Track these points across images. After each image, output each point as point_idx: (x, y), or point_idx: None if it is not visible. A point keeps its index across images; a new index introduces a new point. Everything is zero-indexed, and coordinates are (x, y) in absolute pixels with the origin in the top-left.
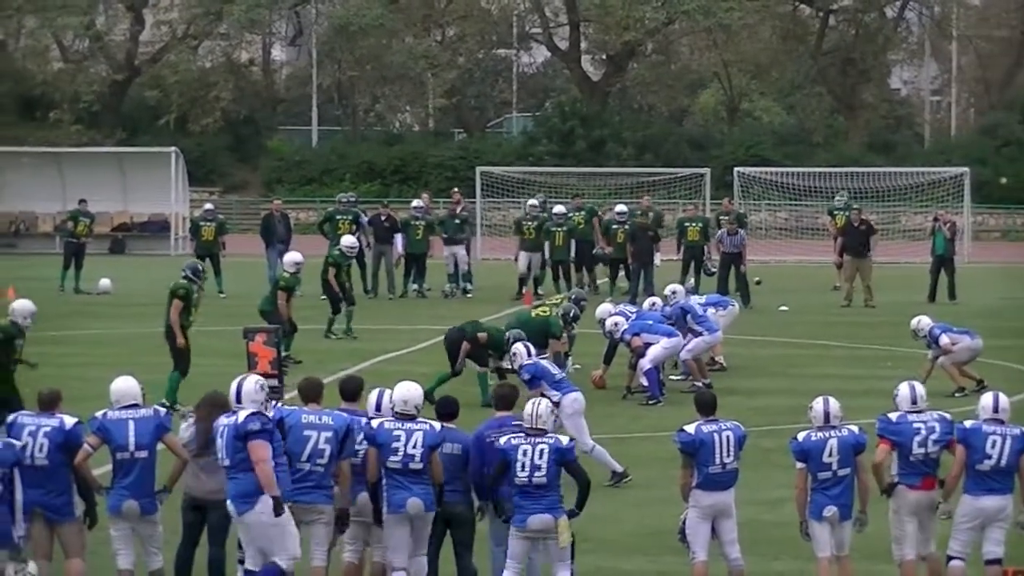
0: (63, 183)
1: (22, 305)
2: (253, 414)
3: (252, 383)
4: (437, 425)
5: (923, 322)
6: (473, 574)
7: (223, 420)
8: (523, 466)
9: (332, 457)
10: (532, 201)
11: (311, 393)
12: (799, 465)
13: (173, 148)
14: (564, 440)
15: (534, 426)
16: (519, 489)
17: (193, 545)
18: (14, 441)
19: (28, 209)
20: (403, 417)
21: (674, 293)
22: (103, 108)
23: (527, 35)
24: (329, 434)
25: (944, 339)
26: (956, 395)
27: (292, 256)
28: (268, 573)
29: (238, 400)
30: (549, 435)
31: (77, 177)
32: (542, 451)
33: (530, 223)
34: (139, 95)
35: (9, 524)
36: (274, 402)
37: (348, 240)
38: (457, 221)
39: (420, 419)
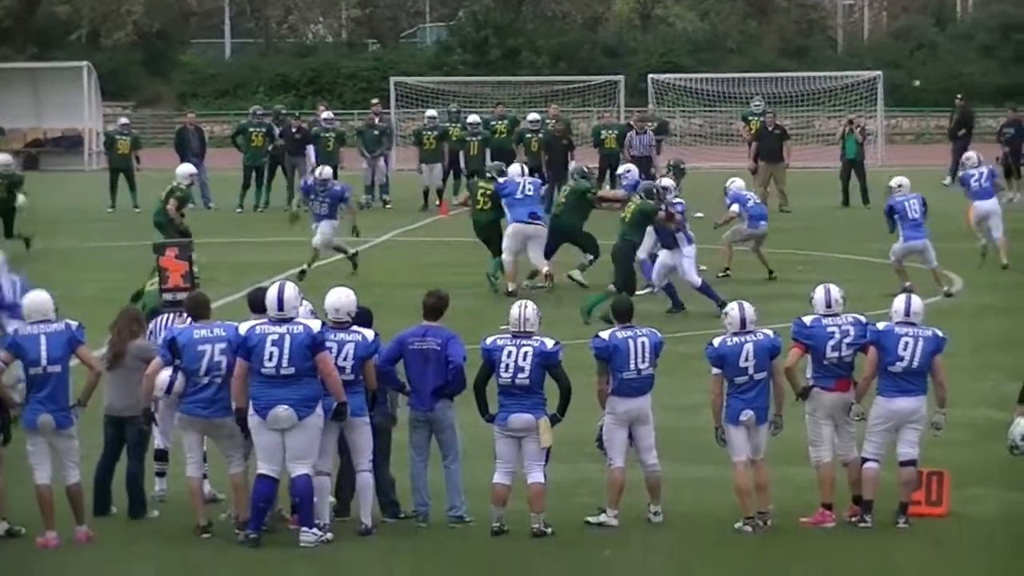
0: None
1: None
2: (324, 326)
3: (292, 290)
4: (370, 334)
5: (735, 183)
6: (391, 482)
7: (271, 328)
8: (507, 367)
9: (229, 368)
10: (430, 112)
11: (199, 310)
12: (715, 371)
13: (85, 63)
14: (549, 343)
15: (522, 329)
16: (502, 389)
17: (113, 459)
18: None
19: None
20: (336, 326)
21: (628, 171)
22: (14, 23)
23: None
24: (223, 345)
25: (733, 208)
26: (718, 276)
27: (185, 168)
28: (302, 483)
29: (280, 307)
30: (535, 338)
31: None
32: (526, 353)
33: (429, 133)
34: (50, 10)
35: None
36: (173, 317)
37: (184, 169)
38: (376, 132)
39: (353, 329)
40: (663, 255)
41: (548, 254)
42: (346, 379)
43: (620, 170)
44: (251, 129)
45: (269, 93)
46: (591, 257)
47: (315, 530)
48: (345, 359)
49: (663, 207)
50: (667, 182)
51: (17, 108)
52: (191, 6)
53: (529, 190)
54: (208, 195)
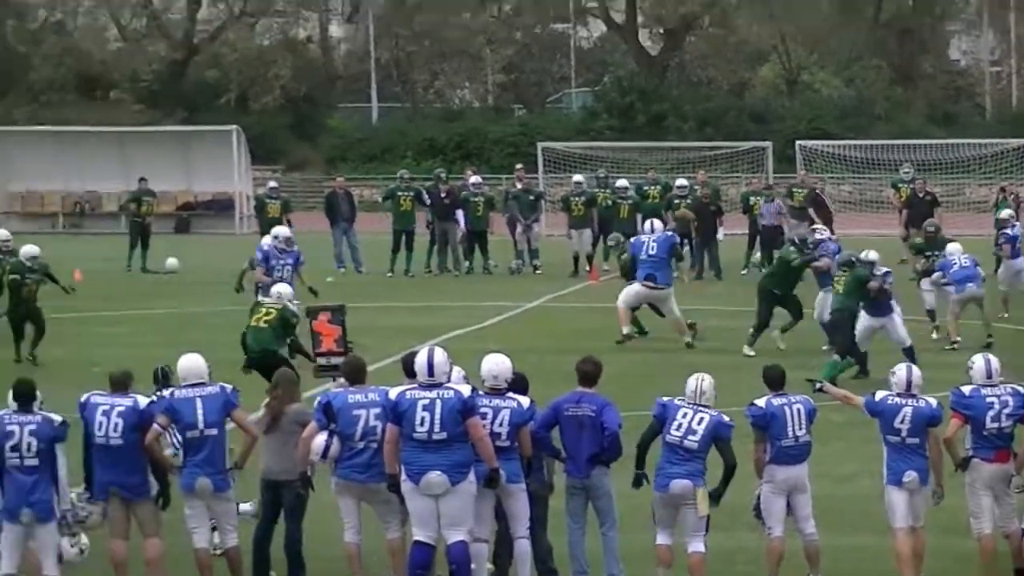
0: (126, 163)
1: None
2: (474, 391)
3: (442, 355)
4: (525, 401)
5: (949, 248)
6: (548, 550)
7: (421, 393)
8: (679, 426)
9: (383, 433)
10: (577, 177)
11: (355, 374)
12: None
13: (234, 126)
14: (726, 417)
15: (697, 401)
16: (668, 447)
17: (271, 523)
18: (54, 417)
19: (92, 189)
20: (492, 392)
21: (824, 231)
22: (163, 87)
23: (584, 9)
24: (378, 410)
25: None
26: (945, 348)
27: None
28: (458, 550)
29: (430, 372)
30: (713, 409)
31: (140, 156)
32: (702, 419)
33: (577, 199)
34: (199, 74)
35: (51, 497)
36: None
37: (26, 250)
38: (532, 197)
39: (509, 395)
40: (866, 319)
41: (764, 318)
42: (501, 445)
43: (816, 226)
44: (399, 193)
45: (417, 157)
46: (792, 321)
47: None
48: (501, 425)
49: (875, 277)
50: (873, 255)
51: (168, 171)
52: (337, 70)
53: (652, 249)
54: (359, 259)
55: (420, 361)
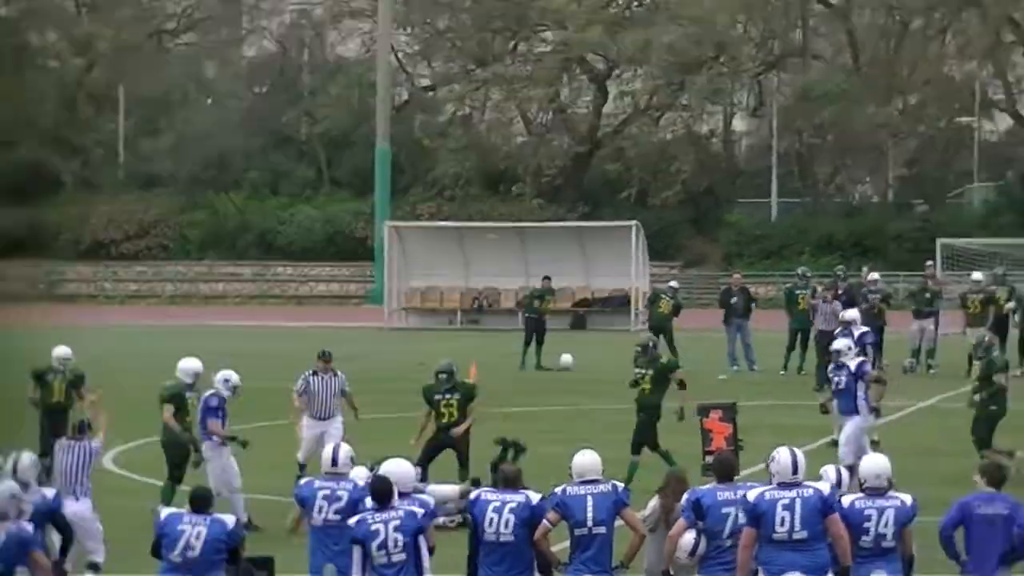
0: (525, 258)
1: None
2: (833, 490)
3: (800, 456)
4: (908, 500)
5: None
6: None
7: (780, 493)
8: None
9: None
10: (976, 275)
11: (726, 471)
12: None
13: (634, 222)
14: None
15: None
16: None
17: None
18: (416, 510)
19: (491, 285)
20: (873, 492)
21: None
22: (564, 181)
23: (990, 103)
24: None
25: None
26: None
27: (188, 363)
28: None
29: (794, 471)
30: None
31: (539, 251)
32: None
33: (975, 297)
34: (600, 168)
35: None
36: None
37: (187, 364)
38: (927, 295)
39: (889, 495)
40: None
41: None
42: (887, 547)
43: None
44: (796, 292)
45: (815, 254)
46: None
47: None
48: (886, 526)
49: None
50: None
51: (566, 267)
52: (739, 165)
53: None
54: (752, 357)
55: (785, 460)
